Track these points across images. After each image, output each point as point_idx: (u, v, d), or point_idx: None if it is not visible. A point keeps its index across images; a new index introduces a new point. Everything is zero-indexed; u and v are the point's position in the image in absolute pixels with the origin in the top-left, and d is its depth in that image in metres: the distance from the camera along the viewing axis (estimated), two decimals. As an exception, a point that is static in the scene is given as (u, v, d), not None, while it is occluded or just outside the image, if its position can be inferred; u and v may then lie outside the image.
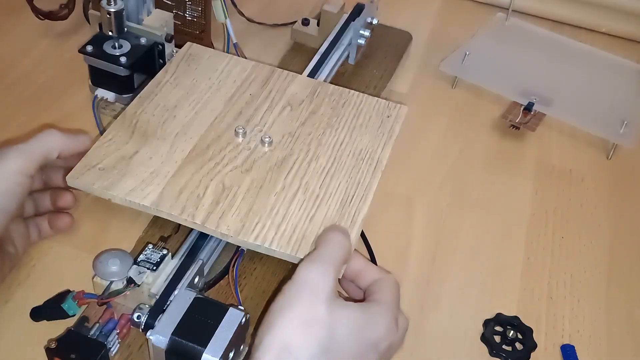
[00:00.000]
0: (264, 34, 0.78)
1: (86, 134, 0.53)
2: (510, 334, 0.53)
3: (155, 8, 0.64)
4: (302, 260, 0.45)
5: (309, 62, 0.67)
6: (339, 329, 0.40)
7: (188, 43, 0.63)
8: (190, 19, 0.70)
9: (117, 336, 0.47)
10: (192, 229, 0.51)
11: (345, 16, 0.72)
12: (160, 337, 0.43)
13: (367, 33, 0.71)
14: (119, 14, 0.59)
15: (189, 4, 0.69)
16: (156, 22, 0.62)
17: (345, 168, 0.54)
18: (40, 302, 0.49)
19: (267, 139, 0.54)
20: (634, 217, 0.64)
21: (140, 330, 0.46)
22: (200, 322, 0.44)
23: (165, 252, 0.49)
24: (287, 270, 0.54)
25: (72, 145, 0.51)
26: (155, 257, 0.48)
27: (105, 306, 0.47)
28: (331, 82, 0.63)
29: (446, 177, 0.65)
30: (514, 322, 0.53)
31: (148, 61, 0.61)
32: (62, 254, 0.54)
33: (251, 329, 0.49)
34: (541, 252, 0.60)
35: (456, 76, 0.75)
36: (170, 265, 0.49)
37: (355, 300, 0.46)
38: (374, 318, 0.42)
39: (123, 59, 0.59)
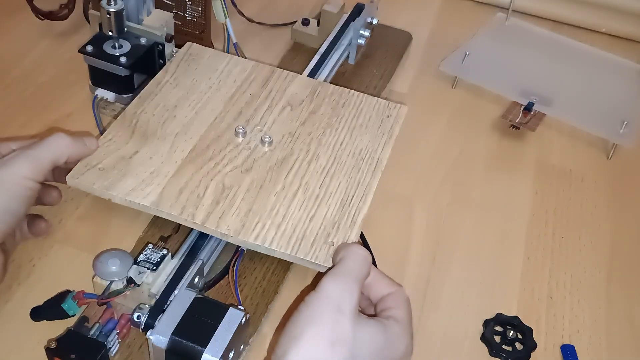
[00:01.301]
0: (264, 34, 0.78)
1: (93, 137, 0.53)
2: (510, 334, 0.53)
3: (155, 8, 0.64)
4: (326, 272, 0.44)
5: (309, 62, 0.67)
6: (362, 348, 0.41)
7: (188, 43, 0.63)
8: (190, 19, 0.70)
9: (117, 336, 0.47)
10: (192, 229, 0.51)
11: (345, 16, 0.72)
12: (160, 337, 0.43)
13: (367, 33, 0.71)
14: (119, 14, 0.59)
15: (189, 4, 0.69)
16: (156, 22, 0.62)
17: (345, 168, 0.54)
18: (40, 302, 0.49)
19: (267, 139, 0.54)
20: (634, 217, 0.64)
21: (140, 330, 0.46)
22: (200, 322, 0.44)
23: (165, 252, 0.49)
24: (287, 270, 0.54)
25: (80, 150, 0.51)
26: (155, 257, 0.48)
27: (105, 306, 0.47)
28: (331, 82, 0.63)
29: (446, 177, 0.65)
30: (514, 322, 0.53)
31: (148, 61, 0.61)
32: (62, 254, 0.54)
33: (251, 329, 0.49)
34: (541, 252, 0.60)
35: (456, 76, 0.75)
36: (170, 265, 0.49)
37: (362, 310, 0.46)
38: (394, 338, 0.43)
39: (123, 59, 0.59)
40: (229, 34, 0.66)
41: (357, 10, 0.71)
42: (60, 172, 0.53)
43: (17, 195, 0.47)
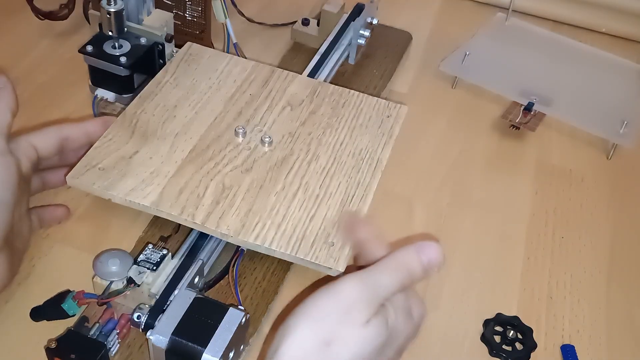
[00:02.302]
0: (264, 34, 0.78)
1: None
2: (510, 334, 0.53)
3: (155, 8, 0.64)
4: (352, 273, 0.41)
5: (309, 62, 0.67)
6: (361, 352, 0.38)
7: (188, 43, 0.63)
8: (190, 19, 0.70)
9: (117, 336, 0.47)
10: (192, 229, 0.51)
11: (345, 16, 0.72)
12: (160, 337, 0.43)
13: (367, 33, 0.71)
14: (119, 14, 0.59)
15: (189, 4, 0.69)
16: (156, 22, 0.62)
17: (345, 168, 0.54)
18: (40, 302, 0.49)
19: (267, 139, 0.54)
20: (634, 217, 0.64)
21: (140, 330, 0.46)
22: (200, 322, 0.44)
23: (165, 252, 0.49)
24: (287, 270, 0.54)
25: (9, 98, 0.50)
26: (155, 257, 0.48)
27: (105, 306, 0.47)
28: (331, 82, 0.63)
29: (446, 177, 0.65)
30: (514, 322, 0.53)
31: (148, 61, 0.61)
32: (62, 254, 0.54)
33: (251, 329, 0.49)
34: (541, 252, 0.60)
35: (456, 76, 0.75)
36: (170, 265, 0.49)
37: None
38: (395, 334, 0.40)
39: (123, 59, 0.59)
40: (229, 34, 0.66)
41: (357, 10, 0.71)
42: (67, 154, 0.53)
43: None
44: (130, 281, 0.47)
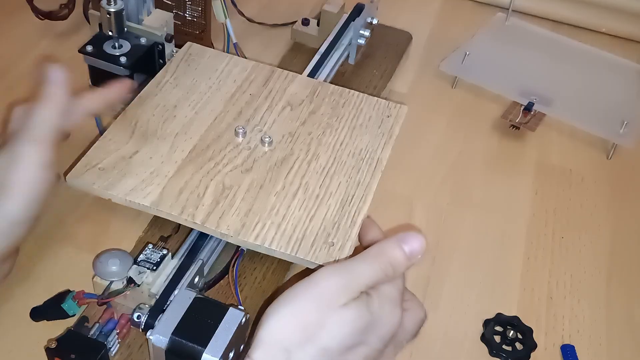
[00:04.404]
0: (264, 34, 0.78)
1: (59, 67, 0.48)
2: (510, 334, 0.53)
3: (155, 8, 0.64)
4: (327, 264, 0.42)
5: (309, 62, 0.67)
6: (338, 335, 0.39)
7: (188, 43, 0.63)
8: (190, 19, 0.70)
9: (117, 336, 0.47)
10: (192, 229, 0.51)
11: (345, 16, 0.72)
12: (160, 337, 0.43)
13: (367, 33, 0.71)
14: (119, 14, 0.59)
15: (189, 4, 0.69)
16: (156, 22, 0.62)
17: (345, 168, 0.53)
18: (40, 302, 0.49)
19: (267, 139, 0.54)
20: (634, 217, 0.64)
21: (140, 330, 0.46)
22: (200, 322, 0.44)
23: (165, 252, 0.49)
24: (287, 270, 0.54)
25: (63, 95, 0.47)
26: (155, 257, 0.48)
27: (105, 306, 0.47)
28: (331, 82, 0.63)
29: (446, 177, 0.65)
30: (514, 322, 0.53)
31: (148, 61, 0.61)
32: (62, 254, 0.54)
33: (251, 329, 0.49)
34: (541, 252, 0.60)
35: (456, 76, 0.75)
36: (170, 265, 0.49)
37: None
38: (377, 317, 0.40)
39: (123, 59, 0.59)
40: (229, 34, 0.66)
41: (357, 10, 0.72)
42: None
43: (30, 197, 0.44)
44: (130, 281, 0.47)
